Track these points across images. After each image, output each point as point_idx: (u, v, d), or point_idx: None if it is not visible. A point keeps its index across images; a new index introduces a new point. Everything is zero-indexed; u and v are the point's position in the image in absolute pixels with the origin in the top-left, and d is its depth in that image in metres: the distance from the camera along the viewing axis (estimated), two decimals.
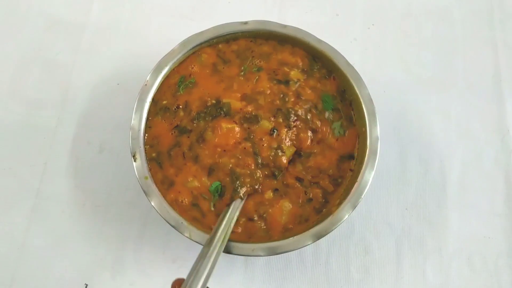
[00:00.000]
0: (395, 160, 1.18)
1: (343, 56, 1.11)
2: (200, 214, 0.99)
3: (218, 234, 0.90)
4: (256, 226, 1.00)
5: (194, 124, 1.04)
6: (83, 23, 1.28)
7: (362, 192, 1.01)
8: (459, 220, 1.14)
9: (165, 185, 1.01)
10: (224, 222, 0.92)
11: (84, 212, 1.11)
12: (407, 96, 1.24)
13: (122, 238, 1.09)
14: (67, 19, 1.28)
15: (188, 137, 1.03)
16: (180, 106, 1.07)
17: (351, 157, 1.05)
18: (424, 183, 1.16)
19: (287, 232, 1.00)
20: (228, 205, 0.97)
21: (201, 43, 1.13)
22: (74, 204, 1.11)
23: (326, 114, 1.07)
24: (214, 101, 1.06)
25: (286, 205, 1.02)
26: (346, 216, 0.99)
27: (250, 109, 1.04)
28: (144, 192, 1.00)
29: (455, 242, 1.12)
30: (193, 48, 1.12)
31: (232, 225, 0.93)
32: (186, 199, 1.00)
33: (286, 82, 1.08)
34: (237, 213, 0.95)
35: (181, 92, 1.08)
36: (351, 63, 1.10)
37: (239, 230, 1.00)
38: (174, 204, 0.99)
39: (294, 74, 1.10)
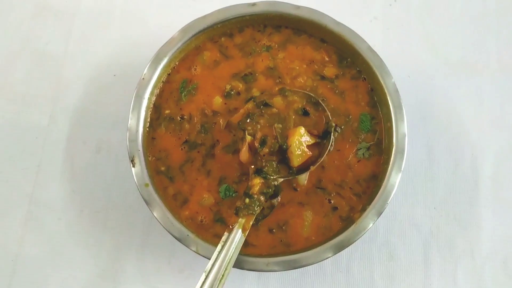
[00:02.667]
0: (421, 153, 1.10)
1: (364, 41, 1.00)
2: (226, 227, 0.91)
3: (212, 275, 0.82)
4: (275, 240, 0.92)
5: (202, 137, 0.97)
6: (74, 8, 1.19)
7: (388, 197, 0.91)
8: (493, 220, 1.06)
9: (178, 202, 0.94)
10: (219, 260, 0.84)
11: (82, 219, 1.05)
12: (434, 81, 1.15)
13: (124, 246, 1.03)
14: (56, 4, 1.19)
15: (199, 152, 0.97)
16: (185, 117, 0.99)
17: (374, 178, 0.96)
18: (454, 179, 1.08)
19: (307, 242, 0.92)
20: (229, 233, 0.87)
21: (203, 29, 1.02)
22: (71, 210, 1.05)
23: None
24: (211, 112, 0.99)
25: (308, 215, 0.92)
26: (371, 225, 0.90)
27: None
28: (145, 201, 0.91)
29: (489, 244, 1.05)
30: (194, 35, 1.01)
31: (231, 263, 0.85)
32: (206, 218, 0.93)
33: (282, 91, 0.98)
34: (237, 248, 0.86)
35: (184, 100, 1.00)
36: (371, 45, 0.99)
37: (255, 243, 0.92)
38: (192, 223, 0.93)
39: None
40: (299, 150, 0.90)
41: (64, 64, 1.15)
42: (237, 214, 0.88)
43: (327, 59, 1.02)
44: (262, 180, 0.89)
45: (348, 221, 0.92)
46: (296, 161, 0.91)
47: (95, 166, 1.08)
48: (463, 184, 1.08)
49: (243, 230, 0.86)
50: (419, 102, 1.13)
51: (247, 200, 0.88)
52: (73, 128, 1.10)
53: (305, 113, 0.95)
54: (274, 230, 0.92)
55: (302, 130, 0.91)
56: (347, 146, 0.97)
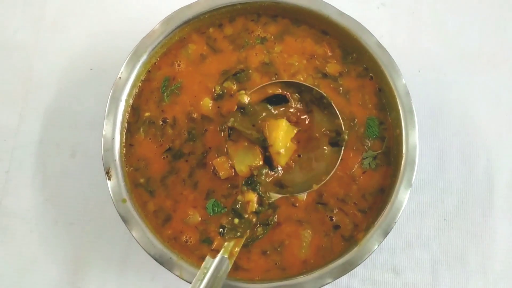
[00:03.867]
0: (431, 158, 1.02)
1: (372, 35, 0.90)
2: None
3: None
4: (269, 263, 0.82)
5: (190, 146, 0.87)
6: None
7: (395, 216, 0.83)
8: (509, 232, 0.99)
9: (160, 220, 0.84)
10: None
11: (56, 232, 0.97)
12: (447, 76, 1.07)
13: (103, 261, 0.96)
14: None
15: (187, 161, 0.86)
16: (168, 121, 0.88)
17: (381, 192, 0.86)
18: (467, 187, 1.01)
19: (305, 266, 0.82)
20: (213, 258, 0.75)
21: (189, 20, 0.90)
22: (44, 222, 0.98)
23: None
24: (200, 117, 0.88)
25: (306, 234, 0.83)
26: (376, 247, 0.81)
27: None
28: (122, 219, 0.82)
29: (503, 259, 0.98)
30: (178, 27, 0.90)
31: None
32: (191, 238, 0.83)
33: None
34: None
35: (166, 101, 0.89)
36: (377, 36, 0.90)
37: (246, 267, 0.83)
38: (175, 244, 0.83)
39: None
40: (283, 148, 0.79)
41: (35, 55, 1.06)
42: (222, 235, 0.76)
43: (330, 54, 0.91)
44: (256, 195, 0.78)
45: (351, 241, 0.83)
46: (283, 161, 0.81)
47: (70, 172, 1.00)
48: (477, 192, 1.01)
49: (230, 256, 0.75)
50: (430, 100, 1.05)
51: (236, 220, 0.77)
52: (45, 129, 1.02)
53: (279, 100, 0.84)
54: (268, 252, 0.83)
55: (284, 123, 0.80)
56: (351, 155, 0.86)
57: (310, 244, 0.83)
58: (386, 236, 0.81)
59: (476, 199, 1.00)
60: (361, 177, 0.85)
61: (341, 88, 0.89)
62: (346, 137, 0.81)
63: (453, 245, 0.98)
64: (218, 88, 0.88)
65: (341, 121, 0.82)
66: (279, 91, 0.84)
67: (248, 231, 0.77)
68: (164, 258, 0.80)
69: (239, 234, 0.76)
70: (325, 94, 0.82)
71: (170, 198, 0.84)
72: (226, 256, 0.74)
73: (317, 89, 0.83)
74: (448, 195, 1.00)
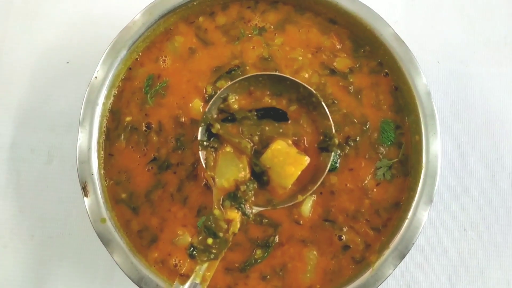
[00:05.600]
0: (451, 161, 0.95)
1: (388, 24, 0.79)
2: None
3: None
4: None
5: (179, 155, 0.77)
6: None
7: (413, 236, 0.74)
8: None
9: (145, 241, 0.76)
10: None
11: (33, 246, 0.91)
12: (470, 68, 0.98)
13: (86, 280, 0.90)
14: None
15: (175, 172, 0.77)
16: (152, 126, 0.78)
17: (396, 206, 0.77)
18: (490, 194, 0.95)
19: None
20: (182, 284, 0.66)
21: (174, 8, 0.79)
22: (19, 235, 0.92)
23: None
24: (189, 121, 0.78)
25: (311, 256, 0.74)
26: (391, 272, 0.73)
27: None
28: (102, 241, 0.74)
29: None
30: (162, 17, 0.79)
31: None
32: (181, 261, 0.75)
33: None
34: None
35: (151, 104, 0.79)
36: (391, 22, 0.80)
37: None
38: (163, 268, 0.75)
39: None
40: (290, 184, 0.70)
41: (3, 46, 0.97)
42: (193, 258, 0.66)
43: (338, 46, 0.80)
44: (240, 215, 0.68)
45: (362, 263, 0.74)
46: (283, 193, 0.71)
47: (47, 180, 0.93)
48: (501, 199, 0.95)
49: (202, 282, 0.66)
50: (450, 96, 0.98)
51: (209, 240, 0.66)
52: (17, 131, 0.95)
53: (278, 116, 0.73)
54: (268, 277, 0.74)
55: (280, 145, 0.69)
56: (362, 164, 0.77)
57: (316, 267, 0.75)
58: (402, 259, 0.73)
59: (500, 206, 0.94)
60: (375, 190, 0.76)
61: (351, 87, 0.78)
62: (336, 141, 0.71)
63: (474, 258, 0.93)
64: (210, 89, 0.77)
65: (332, 122, 0.72)
66: (274, 103, 0.73)
67: (223, 251, 0.66)
68: (151, 285, 0.72)
69: (212, 256, 0.66)
70: (314, 91, 0.72)
71: (157, 216, 0.75)
72: (197, 281, 0.65)
73: (305, 85, 0.72)
74: (469, 203, 0.94)
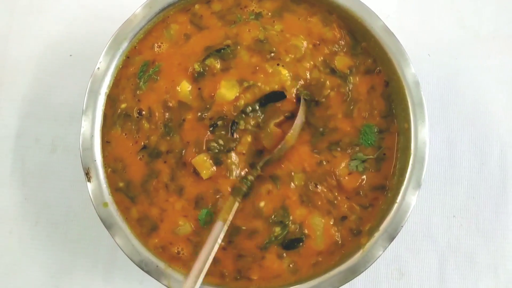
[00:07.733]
0: (440, 149, 0.98)
1: (378, 18, 0.82)
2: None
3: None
4: (283, 266, 0.77)
5: (167, 141, 0.79)
6: None
7: (402, 219, 0.77)
8: None
9: (145, 228, 0.78)
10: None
11: (38, 233, 0.94)
12: (459, 60, 1.01)
13: (89, 264, 0.93)
14: None
15: (165, 162, 0.78)
16: (143, 112, 0.80)
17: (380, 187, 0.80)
18: (478, 181, 0.97)
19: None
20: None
21: (173, 3, 0.81)
22: (24, 222, 0.94)
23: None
24: (177, 104, 0.79)
25: (318, 222, 0.77)
26: (381, 253, 0.76)
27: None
28: (104, 224, 0.77)
29: None
30: (163, 10, 0.81)
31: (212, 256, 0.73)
32: (184, 250, 0.77)
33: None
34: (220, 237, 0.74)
35: (143, 89, 0.80)
36: (384, 17, 0.83)
37: (255, 277, 0.77)
38: (163, 253, 0.77)
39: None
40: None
41: (9, 41, 1.00)
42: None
43: (338, 36, 0.82)
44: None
45: (358, 237, 0.77)
46: None
47: (51, 168, 0.95)
48: (489, 187, 0.97)
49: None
50: (440, 87, 1.00)
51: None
52: (23, 122, 0.97)
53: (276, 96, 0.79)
54: (284, 255, 0.77)
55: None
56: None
57: (324, 233, 0.77)
58: (392, 241, 0.75)
59: (488, 194, 0.96)
60: (346, 177, 0.78)
61: (349, 94, 0.80)
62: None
63: (463, 244, 0.95)
64: (197, 66, 0.78)
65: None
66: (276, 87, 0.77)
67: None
68: (151, 266, 0.75)
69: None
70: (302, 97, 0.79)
71: (156, 206, 0.77)
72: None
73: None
74: (458, 190, 0.96)
